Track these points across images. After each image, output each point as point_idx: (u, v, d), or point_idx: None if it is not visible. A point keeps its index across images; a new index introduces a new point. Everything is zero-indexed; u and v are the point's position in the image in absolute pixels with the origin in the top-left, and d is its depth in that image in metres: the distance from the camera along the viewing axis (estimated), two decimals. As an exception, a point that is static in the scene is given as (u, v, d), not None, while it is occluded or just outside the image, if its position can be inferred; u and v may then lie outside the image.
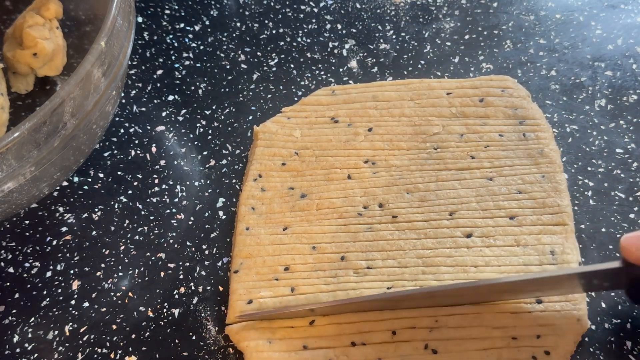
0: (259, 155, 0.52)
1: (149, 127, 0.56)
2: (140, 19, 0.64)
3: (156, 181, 0.53)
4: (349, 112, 0.54)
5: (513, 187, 0.48)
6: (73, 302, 0.46)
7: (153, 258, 0.48)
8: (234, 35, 0.62)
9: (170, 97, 0.58)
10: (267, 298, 0.44)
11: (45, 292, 0.47)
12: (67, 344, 0.44)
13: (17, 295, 0.47)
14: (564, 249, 0.45)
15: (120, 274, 0.48)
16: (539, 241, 0.46)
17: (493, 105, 0.53)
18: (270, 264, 0.46)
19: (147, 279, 0.47)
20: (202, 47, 0.61)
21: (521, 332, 0.42)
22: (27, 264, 0.48)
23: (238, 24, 0.63)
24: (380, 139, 0.52)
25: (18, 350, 0.44)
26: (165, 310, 0.46)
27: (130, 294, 0.47)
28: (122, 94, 0.57)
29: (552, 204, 0.47)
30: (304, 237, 0.47)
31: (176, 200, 0.51)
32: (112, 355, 0.44)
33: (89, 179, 0.53)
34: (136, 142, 0.55)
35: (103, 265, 0.48)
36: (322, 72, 0.59)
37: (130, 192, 0.52)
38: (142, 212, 0.51)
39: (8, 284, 0.47)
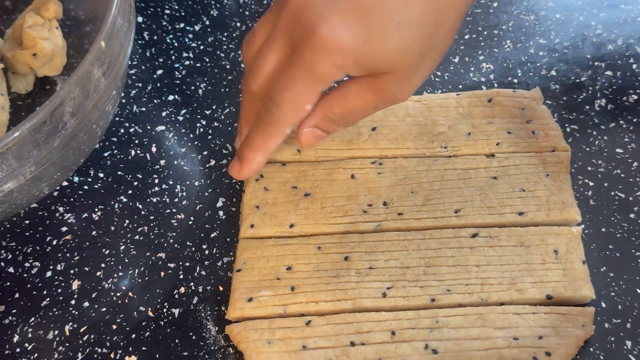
0: None
1: (149, 127, 0.56)
2: (140, 19, 0.64)
3: (156, 181, 0.53)
4: None
5: (517, 185, 0.49)
6: (73, 302, 0.46)
7: (153, 258, 0.48)
8: (234, 35, 0.62)
9: (170, 97, 0.58)
10: (266, 297, 0.44)
11: (45, 292, 0.47)
12: (67, 344, 0.44)
13: (17, 295, 0.47)
14: (567, 249, 0.45)
15: (120, 274, 0.48)
16: (543, 241, 0.46)
17: (501, 105, 0.53)
18: (273, 264, 0.46)
19: (147, 279, 0.47)
20: (202, 47, 0.61)
21: (523, 332, 0.42)
22: (27, 264, 0.48)
23: (238, 24, 0.63)
24: (385, 138, 0.52)
25: (18, 350, 0.44)
26: (165, 310, 0.46)
27: (130, 294, 0.47)
28: (122, 94, 0.57)
29: (557, 201, 0.48)
30: (311, 238, 0.47)
31: (176, 200, 0.51)
32: (112, 355, 0.44)
33: (89, 179, 0.53)
34: (136, 142, 0.55)
35: (103, 265, 0.48)
36: (322, 72, 0.59)
37: (130, 192, 0.52)
38: (142, 212, 0.51)
39: (8, 284, 0.47)
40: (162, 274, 0.48)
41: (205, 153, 0.54)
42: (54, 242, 0.49)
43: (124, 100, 0.57)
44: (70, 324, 0.45)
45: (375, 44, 0.35)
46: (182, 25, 0.63)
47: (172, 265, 0.48)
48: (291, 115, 0.38)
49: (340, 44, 0.34)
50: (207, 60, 0.60)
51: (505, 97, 0.53)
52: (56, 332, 0.45)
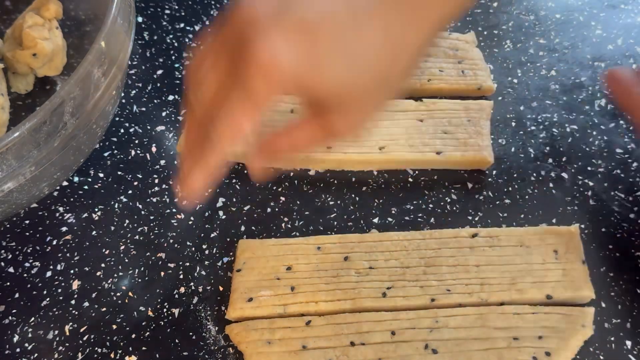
0: None
1: (149, 127, 0.56)
2: (140, 19, 0.64)
3: (156, 181, 0.53)
4: None
5: (439, 128, 0.52)
6: (73, 302, 0.46)
7: (153, 258, 0.48)
8: (234, 35, 0.62)
9: (170, 97, 0.58)
10: (266, 296, 0.44)
11: (45, 292, 0.47)
12: (67, 344, 0.44)
13: (17, 295, 0.47)
14: (567, 249, 0.45)
15: (120, 274, 0.48)
16: (543, 241, 0.46)
17: (436, 46, 0.57)
18: (273, 264, 0.46)
19: (147, 279, 0.47)
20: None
21: (523, 332, 0.42)
22: (27, 264, 0.48)
23: (238, 24, 0.63)
24: None
25: (18, 350, 0.44)
26: (165, 310, 0.46)
27: (130, 294, 0.47)
28: (122, 94, 0.57)
29: (474, 144, 0.51)
30: (310, 238, 0.47)
31: (176, 200, 0.51)
32: (112, 355, 0.44)
33: (89, 179, 0.53)
34: (136, 142, 0.55)
35: (103, 265, 0.48)
36: (322, 72, 0.59)
37: (130, 192, 0.52)
38: (142, 212, 0.51)
39: (8, 284, 0.47)
40: (162, 274, 0.48)
41: (205, 153, 0.54)
42: (54, 242, 0.49)
43: (124, 100, 0.57)
44: (70, 324, 0.45)
45: (317, 70, 0.32)
46: (182, 25, 0.63)
47: (172, 265, 0.48)
48: (228, 136, 0.33)
49: (277, 62, 0.31)
50: (207, 60, 0.60)
51: (440, 39, 0.57)
52: (56, 332, 0.45)
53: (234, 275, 0.46)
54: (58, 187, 0.52)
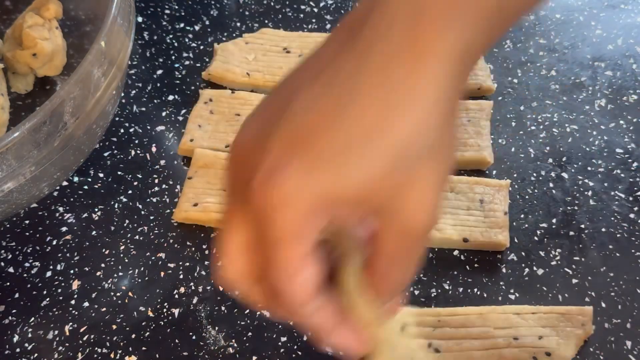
0: (214, 68, 0.57)
1: (149, 127, 0.56)
2: (140, 19, 0.64)
3: (156, 181, 0.52)
4: (302, 45, 0.59)
5: None
6: (73, 302, 0.46)
7: (153, 258, 0.48)
8: (234, 35, 0.62)
9: (170, 97, 0.58)
10: (210, 203, 0.49)
11: (45, 292, 0.47)
12: (67, 344, 0.44)
13: (17, 295, 0.47)
14: (492, 199, 0.48)
15: (120, 274, 0.48)
16: (472, 190, 0.49)
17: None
18: (222, 176, 0.48)
19: (147, 279, 0.47)
20: (202, 47, 0.61)
21: (523, 332, 0.42)
22: (27, 264, 0.48)
23: (238, 24, 0.63)
24: None
25: (18, 350, 0.44)
26: (165, 310, 0.46)
27: (130, 294, 0.47)
28: (122, 94, 0.57)
29: (474, 144, 0.51)
30: None
31: (176, 200, 0.51)
32: (112, 355, 0.44)
33: (89, 179, 0.53)
34: (136, 142, 0.55)
35: (103, 265, 0.48)
36: (322, 72, 0.59)
37: (130, 192, 0.52)
38: (142, 212, 0.51)
39: (8, 284, 0.47)
40: (162, 274, 0.48)
41: (205, 153, 0.54)
42: (54, 242, 0.49)
43: (124, 100, 0.57)
44: (70, 324, 0.45)
45: (339, 171, 0.25)
46: (182, 25, 0.63)
47: (172, 265, 0.48)
48: (296, 295, 0.27)
49: (289, 194, 0.25)
50: (207, 60, 0.60)
51: None
52: (56, 332, 0.45)
53: (186, 182, 0.50)
54: (58, 187, 0.52)
